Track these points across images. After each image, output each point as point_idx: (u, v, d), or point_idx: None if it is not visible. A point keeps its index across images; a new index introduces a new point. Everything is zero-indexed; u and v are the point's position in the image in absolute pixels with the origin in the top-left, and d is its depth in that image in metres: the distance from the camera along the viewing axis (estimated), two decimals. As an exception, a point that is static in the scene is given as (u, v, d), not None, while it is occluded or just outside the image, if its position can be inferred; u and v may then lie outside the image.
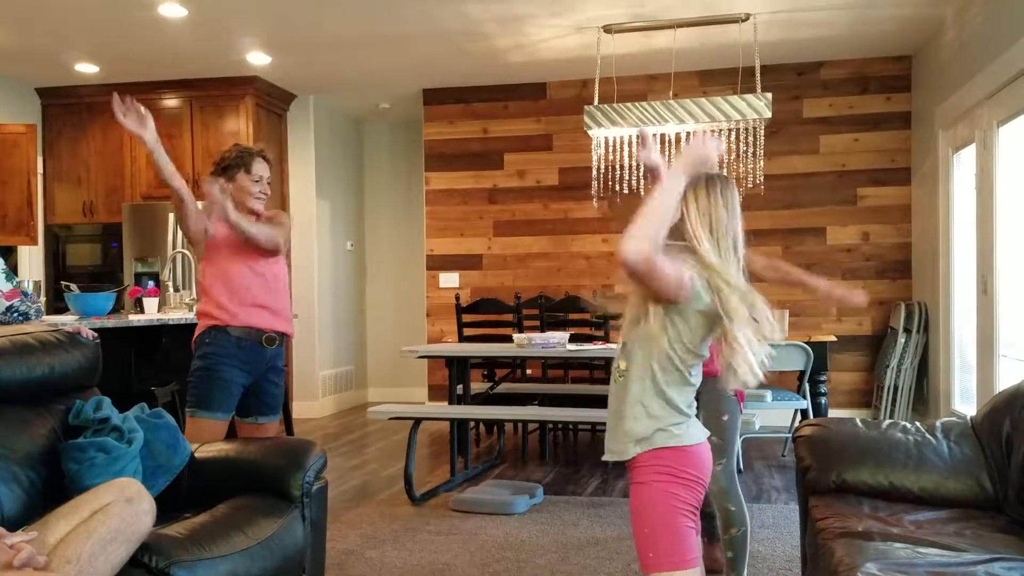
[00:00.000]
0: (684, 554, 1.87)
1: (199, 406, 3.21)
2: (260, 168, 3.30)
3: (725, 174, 2.03)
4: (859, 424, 2.73)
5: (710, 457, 1.95)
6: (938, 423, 2.68)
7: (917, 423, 2.69)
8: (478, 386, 5.75)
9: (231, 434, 3.41)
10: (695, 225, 1.91)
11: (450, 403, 5.17)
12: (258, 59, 6.32)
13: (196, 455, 2.67)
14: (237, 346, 3.22)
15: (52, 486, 2.34)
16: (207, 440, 3.07)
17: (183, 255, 6.34)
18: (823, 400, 5.35)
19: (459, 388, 5.19)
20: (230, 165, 3.26)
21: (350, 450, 6.07)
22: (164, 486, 2.52)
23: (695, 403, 1.97)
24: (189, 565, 2.00)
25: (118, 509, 1.89)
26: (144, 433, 2.49)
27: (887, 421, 2.73)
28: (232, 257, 3.25)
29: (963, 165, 5.53)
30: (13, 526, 2.07)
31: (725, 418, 2.91)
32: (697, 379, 1.94)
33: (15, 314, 2.75)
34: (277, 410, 3.44)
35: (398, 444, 6.05)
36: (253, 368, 3.29)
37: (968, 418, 2.72)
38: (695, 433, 1.92)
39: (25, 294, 2.79)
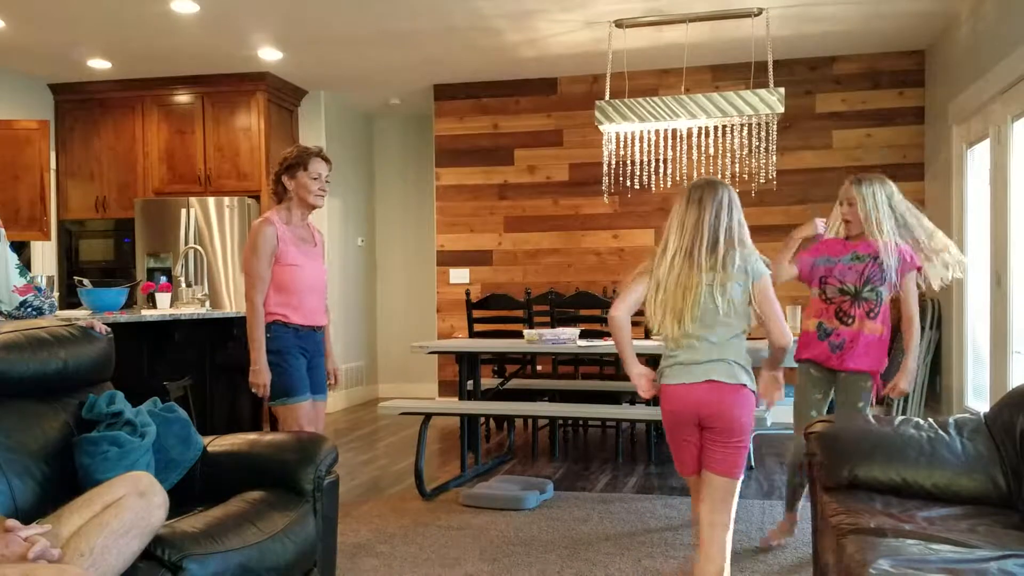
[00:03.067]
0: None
1: (284, 394, 3.44)
2: (318, 166, 3.52)
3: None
4: (871, 420, 2.71)
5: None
6: (951, 419, 2.66)
7: (930, 419, 2.68)
8: (488, 382, 5.75)
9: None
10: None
11: (460, 399, 5.17)
12: (269, 55, 6.33)
13: (208, 449, 2.68)
14: (296, 334, 3.48)
15: (65, 480, 2.35)
16: (302, 422, 3.39)
17: (195, 251, 6.36)
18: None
19: (469, 384, 5.20)
20: (292, 164, 3.50)
21: (361, 445, 6.08)
22: (176, 480, 2.53)
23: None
24: (201, 558, 2.01)
25: (131, 502, 1.90)
26: (157, 427, 2.51)
27: (900, 417, 2.71)
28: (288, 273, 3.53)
29: (977, 160, 5.49)
30: (27, 519, 2.08)
31: (861, 404, 3.36)
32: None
33: (29, 309, 2.76)
34: (326, 390, 3.68)
35: (408, 439, 6.06)
36: (307, 352, 3.54)
37: (981, 415, 2.70)
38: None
39: (39, 289, 2.80)
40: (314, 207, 3.57)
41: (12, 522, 1.77)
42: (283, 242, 3.44)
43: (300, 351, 3.49)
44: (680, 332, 2.52)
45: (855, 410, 3.37)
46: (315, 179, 3.50)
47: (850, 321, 3.35)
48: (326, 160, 3.56)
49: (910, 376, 3.43)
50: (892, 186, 3.40)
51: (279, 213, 3.52)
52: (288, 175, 3.50)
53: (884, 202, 3.33)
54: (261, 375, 3.39)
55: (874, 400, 3.42)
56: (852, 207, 3.37)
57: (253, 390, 3.43)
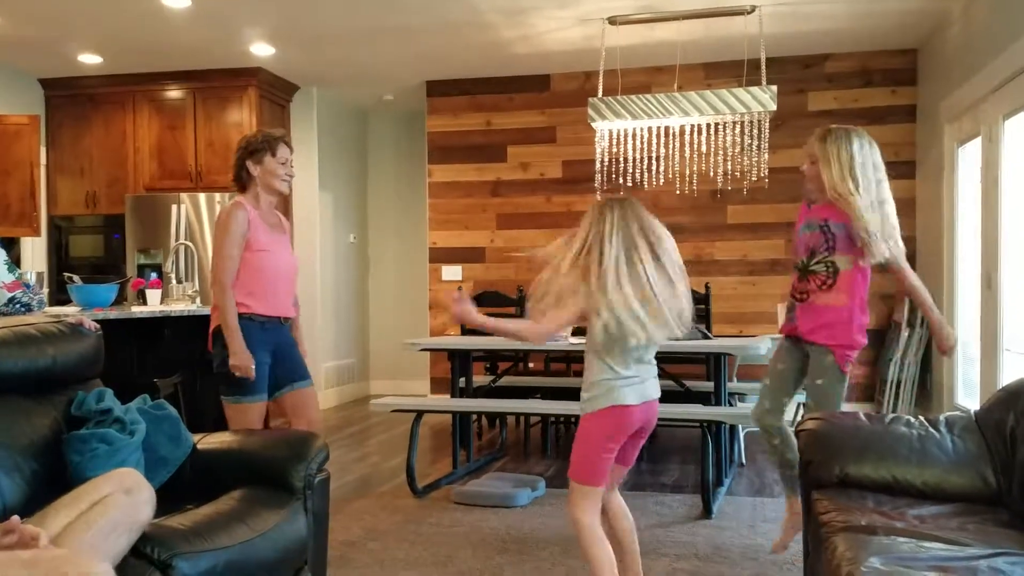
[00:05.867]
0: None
1: (240, 392, 3.35)
2: (285, 152, 3.46)
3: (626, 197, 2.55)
4: (862, 418, 2.72)
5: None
6: (942, 417, 2.67)
7: (921, 417, 2.68)
8: (480, 379, 5.74)
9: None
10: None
11: (452, 396, 5.17)
12: (262, 50, 6.30)
13: (198, 447, 2.67)
14: (261, 328, 3.39)
15: (54, 477, 2.34)
16: (253, 422, 3.30)
17: (186, 247, 6.33)
18: (826, 394, 5.33)
19: (461, 381, 5.19)
20: (257, 148, 3.42)
21: (352, 442, 6.07)
22: (166, 478, 2.52)
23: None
24: (191, 556, 2.00)
25: (117, 500, 1.88)
26: (146, 425, 2.49)
27: (890, 415, 2.72)
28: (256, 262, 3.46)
29: (968, 159, 5.50)
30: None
31: (820, 382, 3.17)
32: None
33: (17, 305, 2.75)
34: (309, 375, 3.60)
35: (400, 436, 6.05)
36: (274, 344, 3.46)
37: (972, 412, 2.71)
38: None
39: (27, 286, 2.78)
40: (280, 193, 3.50)
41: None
42: (254, 227, 3.37)
43: (265, 347, 3.40)
44: (645, 348, 2.50)
45: (815, 388, 3.15)
46: (282, 164, 3.43)
47: (803, 296, 3.17)
48: (290, 146, 3.50)
49: (940, 326, 3.15)
50: (862, 140, 3.11)
51: (248, 199, 3.45)
52: (253, 160, 3.41)
53: (847, 162, 3.05)
54: (242, 357, 3.29)
55: (839, 377, 3.14)
56: (813, 165, 3.16)
57: (237, 374, 3.31)
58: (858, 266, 3.13)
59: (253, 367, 3.31)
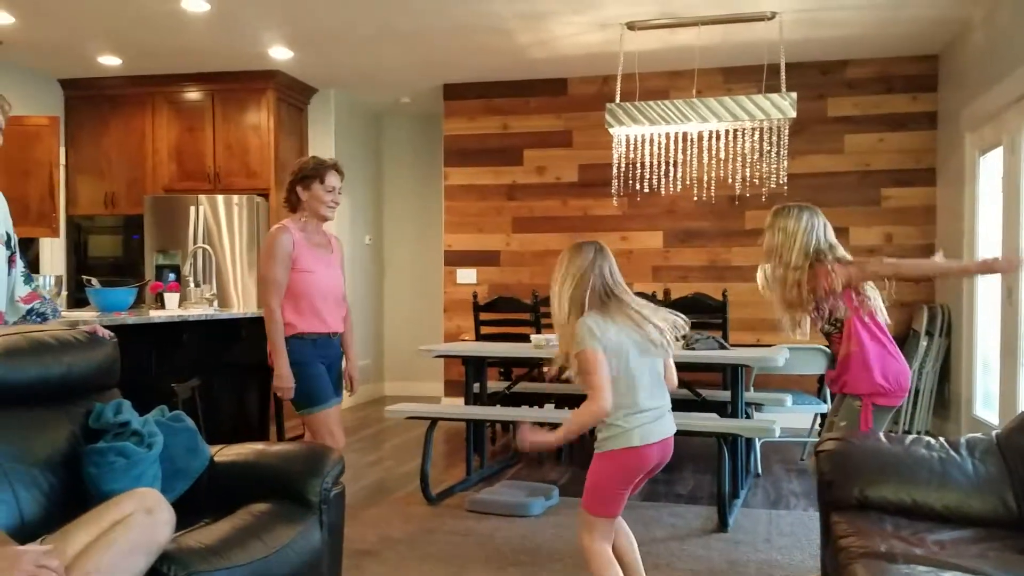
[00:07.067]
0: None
1: (311, 403, 3.53)
2: (333, 179, 3.63)
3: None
4: (882, 439, 2.69)
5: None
6: (963, 439, 2.64)
7: (941, 439, 2.66)
8: (495, 384, 5.73)
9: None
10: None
11: (467, 403, 5.16)
12: (280, 53, 6.32)
13: (216, 459, 2.67)
14: (313, 344, 3.55)
15: (71, 490, 2.34)
16: (332, 427, 3.51)
17: (204, 250, 6.36)
18: (843, 404, 5.29)
19: (476, 387, 5.18)
20: (307, 175, 3.59)
21: (366, 446, 6.08)
22: (183, 491, 2.52)
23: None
24: (206, 575, 2.00)
25: (138, 519, 1.89)
26: (164, 437, 2.50)
27: (910, 436, 2.69)
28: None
29: (989, 168, 5.45)
30: (33, 529, 2.08)
31: (843, 424, 3.16)
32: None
33: (34, 316, 2.76)
34: (341, 393, 3.77)
35: (414, 440, 6.05)
36: (326, 358, 3.63)
37: (993, 434, 2.68)
38: None
39: (44, 298, 2.79)
40: (325, 219, 3.65)
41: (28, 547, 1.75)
42: (298, 248, 3.52)
43: (319, 359, 3.58)
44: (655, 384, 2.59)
45: (838, 428, 3.16)
46: (329, 192, 3.59)
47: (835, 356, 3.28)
48: (340, 172, 3.65)
49: (983, 264, 3.30)
50: (796, 217, 3.22)
51: (295, 221, 3.60)
52: (303, 186, 3.59)
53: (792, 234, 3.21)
54: (284, 381, 3.47)
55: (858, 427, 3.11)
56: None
57: (279, 395, 3.51)
58: (857, 315, 3.16)
59: (292, 389, 3.47)
